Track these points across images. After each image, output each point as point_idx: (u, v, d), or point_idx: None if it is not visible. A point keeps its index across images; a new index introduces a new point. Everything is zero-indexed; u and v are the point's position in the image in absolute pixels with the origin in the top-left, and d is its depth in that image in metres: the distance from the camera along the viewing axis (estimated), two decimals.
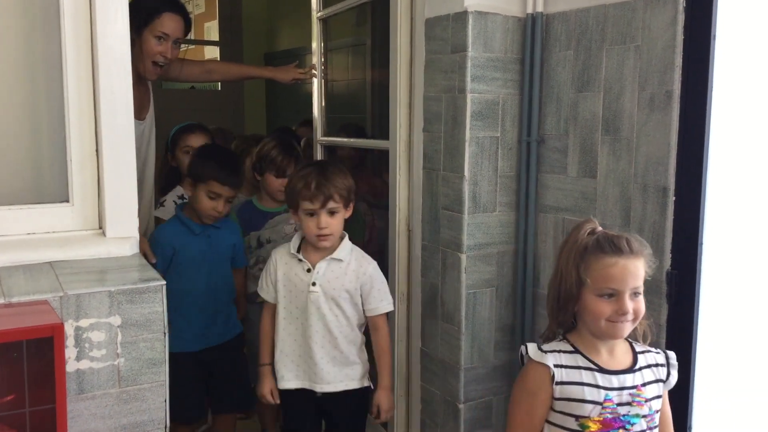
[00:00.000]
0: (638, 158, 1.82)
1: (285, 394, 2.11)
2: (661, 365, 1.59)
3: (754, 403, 1.84)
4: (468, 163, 2.10)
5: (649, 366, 1.58)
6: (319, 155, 3.04)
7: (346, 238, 2.09)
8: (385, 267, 2.26)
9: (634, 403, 1.52)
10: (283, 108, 5.71)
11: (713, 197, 1.69)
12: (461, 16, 2.07)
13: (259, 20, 5.98)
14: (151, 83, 2.63)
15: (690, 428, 1.76)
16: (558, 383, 1.53)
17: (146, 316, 1.44)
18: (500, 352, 2.24)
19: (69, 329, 1.37)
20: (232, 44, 5.84)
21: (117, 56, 1.63)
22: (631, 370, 1.55)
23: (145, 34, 2.43)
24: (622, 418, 1.50)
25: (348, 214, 2.08)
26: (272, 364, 2.11)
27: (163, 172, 2.83)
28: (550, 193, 2.12)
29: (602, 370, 1.54)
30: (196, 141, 2.68)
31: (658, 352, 1.61)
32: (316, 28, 3.06)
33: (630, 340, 1.61)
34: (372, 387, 2.15)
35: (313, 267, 2.04)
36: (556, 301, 1.60)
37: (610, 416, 1.50)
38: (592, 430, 1.50)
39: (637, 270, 1.51)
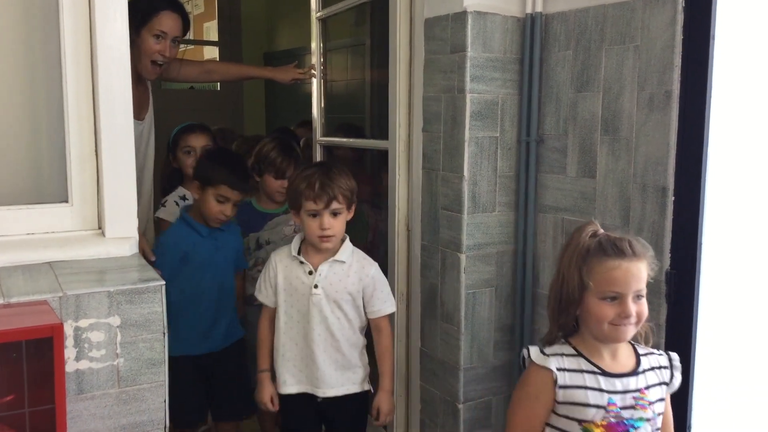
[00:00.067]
0: (637, 158, 1.83)
1: (285, 398, 2.09)
2: (665, 367, 1.58)
3: (753, 403, 1.84)
4: (467, 163, 2.10)
5: (652, 368, 1.56)
6: (318, 155, 3.04)
7: (347, 239, 2.08)
8: (385, 267, 2.26)
9: (638, 407, 1.50)
10: (283, 108, 5.70)
11: (712, 197, 1.69)
12: (460, 16, 2.07)
13: (258, 20, 5.97)
14: (151, 83, 2.62)
15: (689, 428, 1.76)
16: (561, 387, 1.52)
17: (145, 316, 1.44)
18: (500, 352, 2.24)
19: (68, 329, 1.37)
20: (231, 44, 5.83)
21: (116, 56, 1.62)
22: (634, 373, 1.54)
23: (144, 33, 2.42)
24: (626, 422, 1.49)
25: (350, 216, 2.06)
26: (271, 369, 2.10)
27: (165, 173, 2.82)
28: (550, 193, 2.12)
29: (605, 374, 1.52)
30: (197, 141, 2.68)
31: (661, 354, 1.60)
32: (315, 28, 3.06)
33: (633, 342, 1.59)
34: (372, 390, 2.14)
35: (315, 269, 2.03)
36: (557, 303, 1.58)
37: (614, 420, 1.49)
38: None
39: (639, 272, 1.50)
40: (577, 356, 1.55)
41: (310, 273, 2.03)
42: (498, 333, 2.23)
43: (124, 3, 1.63)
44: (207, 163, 2.36)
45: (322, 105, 3.08)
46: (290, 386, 2.07)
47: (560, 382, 1.52)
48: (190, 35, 5.78)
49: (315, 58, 3.06)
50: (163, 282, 1.46)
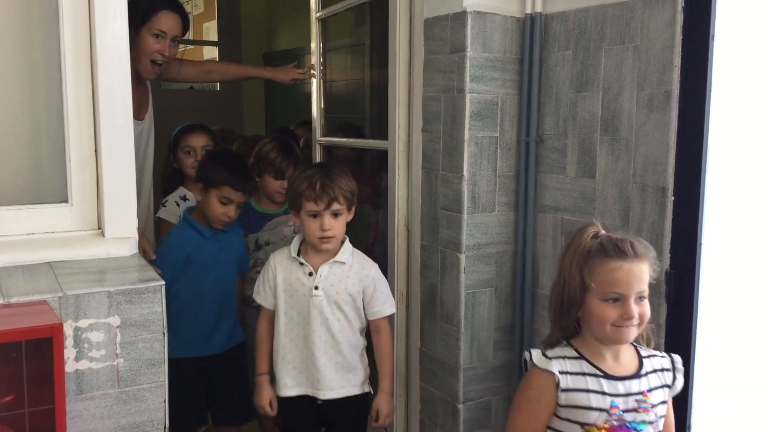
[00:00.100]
0: (637, 158, 1.83)
1: (285, 400, 2.08)
2: (667, 370, 1.57)
3: (753, 403, 1.84)
4: (467, 163, 2.10)
5: (654, 371, 1.55)
6: (318, 156, 3.04)
7: (347, 240, 2.08)
8: (384, 267, 2.26)
9: (641, 410, 1.49)
10: (282, 108, 5.70)
11: (712, 197, 1.69)
12: (460, 17, 2.07)
13: (257, 20, 5.98)
14: (150, 83, 2.63)
15: (689, 428, 1.76)
16: (563, 390, 1.51)
17: (145, 316, 1.44)
18: (499, 352, 2.24)
19: (68, 329, 1.37)
20: (230, 44, 5.83)
21: (116, 56, 1.62)
22: (636, 375, 1.53)
23: (143, 33, 2.43)
24: (628, 425, 1.48)
25: (350, 217, 2.06)
26: (269, 372, 2.09)
27: (165, 174, 2.82)
28: (549, 193, 2.12)
29: (608, 377, 1.51)
30: (197, 141, 2.68)
31: (663, 356, 1.59)
32: (314, 29, 3.06)
33: (635, 344, 1.58)
34: (372, 392, 2.13)
35: (315, 270, 2.02)
36: (559, 305, 1.57)
37: (616, 423, 1.48)
38: None
39: (641, 274, 1.49)
40: (579, 359, 1.54)
41: (311, 274, 2.02)
42: (498, 333, 2.23)
43: (124, 3, 1.63)
44: (209, 164, 2.36)
45: (322, 105, 3.08)
46: (290, 389, 2.05)
47: (562, 385, 1.51)
48: (190, 35, 5.78)
49: (314, 59, 3.06)
50: (163, 282, 1.46)
